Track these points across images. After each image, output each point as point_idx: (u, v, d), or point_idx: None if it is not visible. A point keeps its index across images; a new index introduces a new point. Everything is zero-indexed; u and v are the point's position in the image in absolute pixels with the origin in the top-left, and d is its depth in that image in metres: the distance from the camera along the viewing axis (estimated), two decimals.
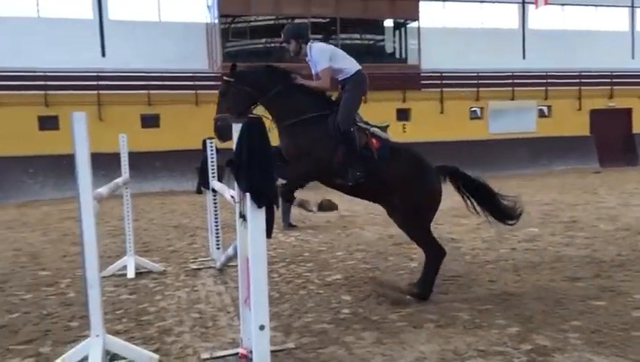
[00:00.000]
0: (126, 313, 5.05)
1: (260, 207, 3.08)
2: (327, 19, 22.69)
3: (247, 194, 3.10)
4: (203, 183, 7.04)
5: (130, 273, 6.50)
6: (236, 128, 3.21)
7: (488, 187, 5.38)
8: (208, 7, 22.64)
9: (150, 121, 18.86)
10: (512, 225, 5.55)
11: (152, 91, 18.94)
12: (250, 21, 21.93)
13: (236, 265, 5.54)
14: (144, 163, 15.83)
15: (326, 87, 5.18)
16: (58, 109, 17.53)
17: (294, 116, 4.96)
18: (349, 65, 5.28)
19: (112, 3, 21.75)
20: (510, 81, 23.36)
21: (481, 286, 5.56)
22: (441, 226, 8.82)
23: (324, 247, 8.00)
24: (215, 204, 6.92)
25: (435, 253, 5.09)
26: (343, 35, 22.74)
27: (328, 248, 7.93)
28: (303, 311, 4.92)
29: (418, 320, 4.50)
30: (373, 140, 5.09)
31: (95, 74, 18.56)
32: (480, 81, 22.83)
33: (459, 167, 5.44)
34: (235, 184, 3.37)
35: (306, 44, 5.36)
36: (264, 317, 3.15)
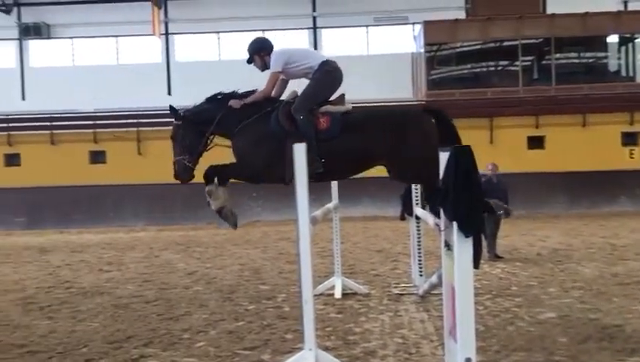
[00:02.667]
0: (334, 331, 5.34)
1: (467, 236, 3.04)
2: (540, 40, 21.44)
3: (454, 223, 3.09)
4: (406, 210, 7.14)
5: (338, 293, 6.86)
6: (444, 156, 3.23)
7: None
8: (414, 37, 23.12)
9: None
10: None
11: None
12: (456, 47, 21.78)
13: (439, 294, 5.50)
14: (351, 189, 16.57)
15: (267, 92, 5.09)
16: None
17: (235, 128, 4.99)
18: (314, 60, 5.10)
19: (326, 41, 23.55)
20: None
21: None
22: None
23: (534, 282, 7.47)
24: (418, 230, 6.97)
25: None
26: (558, 55, 21.23)
27: (539, 283, 7.39)
28: (512, 348, 4.65)
29: None
30: (322, 120, 4.85)
31: None
32: None
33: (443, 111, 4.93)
34: (441, 212, 3.37)
35: (269, 54, 5.23)
36: (471, 350, 3.06)
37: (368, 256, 10.20)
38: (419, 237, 6.94)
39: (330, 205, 6.40)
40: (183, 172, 5.20)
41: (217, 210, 5.17)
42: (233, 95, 5.23)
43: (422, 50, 21.61)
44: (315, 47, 23.43)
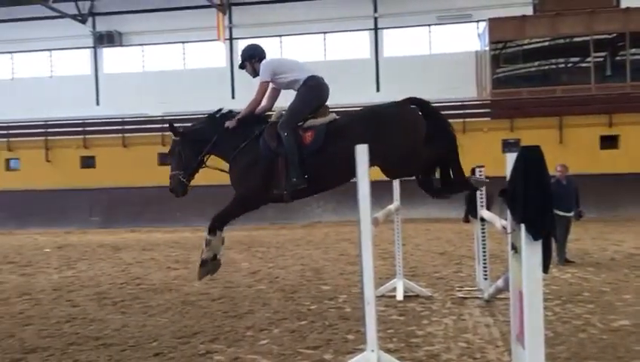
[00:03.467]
0: (396, 333, 5.31)
1: (536, 239, 2.94)
2: (614, 35, 20.43)
3: (522, 226, 3.00)
4: (471, 212, 6.99)
5: (399, 295, 6.80)
6: (511, 157, 3.15)
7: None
8: (479, 35, 22.59)
9: None
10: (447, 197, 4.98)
11: None
12: (523, 45, 21.10)
13: (505, 298, 5.36)
14: (411, 190, 16.41)
15: (257, 101, 5.08)
16: None
17: (231, 154, 5.02)
18: (301, 73, 5.06)
19: (388, 41, 23.42)
20: None
21: None
22: None
23: (607, 288, 7.13)
24: (483, 233, 6.80)
25: None
26: (634, 51, 20.15)
27: (613, 289, 7.04)
28: (583, 356, 4.47)
29: None
30: (307, 135, 4.80)
31: None
32: None
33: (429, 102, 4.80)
34: (508, 214, 3.29)
35: (260, 61, 5.20)
36: (539, 357, 2.97)
37: (430, 259, 10.06)
38: (484, 240, 6.78)
39: (391, 206, 6.37)
40: (178, 186, 5.29)
41: (205, 259, 5.15)
42: (231, 114, 5.28)
43: (487, 48, 21.08)
44: (377, 49, 23.34)
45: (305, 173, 4.74)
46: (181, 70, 24.28)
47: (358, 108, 5.33)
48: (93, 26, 24.40)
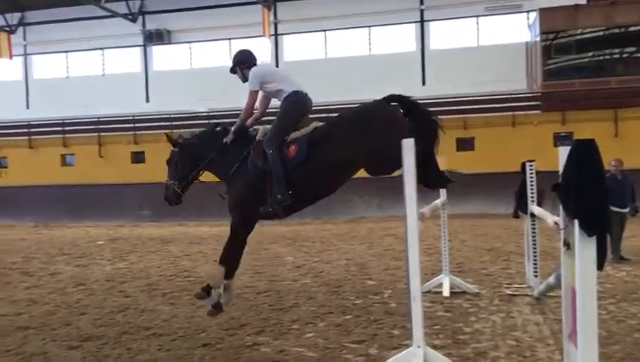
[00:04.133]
0: (442, 329, 5.24)
1: (590, 235, 2.85)
2: None
3: (576, 221, 2.91)
4: (521, 207, 6.82)
5: (446, 291, 6.71)
6: (564, 150, 3.05)
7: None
8: (529, 25, 21.95)
9: (465, 144, 19.19)
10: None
11: (468, 115, 19.28)
12: (576, 35, 20.37)
13: (556, 296, 5.21)
14: (457, 185, 16.16)
15: (248, 109, 5.13)
16: None
17: (227, 175, 5.10)
18: (287, 86, 5.06)
19: (434, 34, 23.07)
20: None
21: None
22: None
23: None
24: (533, 229, 6.62)
25: None
26: None
27: None
28: (638, 356, 4.32)
29: None
30: (291, 149, 4.79)
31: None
32: None
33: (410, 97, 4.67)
34: (561, 209, 3.19)
35: (250, 68, 5.24)
36: (593, 356, 2.88)
37: (477, 255, 9.88)
38: (534, 236, 6.60)
39: (438, 201, 6.28)
40: (172, 196, 5.41)
41: (223, 303, 5.15)
42: (227, 131, 5.28)
43: (537, 39, 20.47)
44: (423, 42, 22.99)
45: (290, 189, 4.75)
46: (227, 66, 24.55)
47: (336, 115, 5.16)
48: (143, 25, 25.03)
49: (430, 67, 22.84)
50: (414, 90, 21.73)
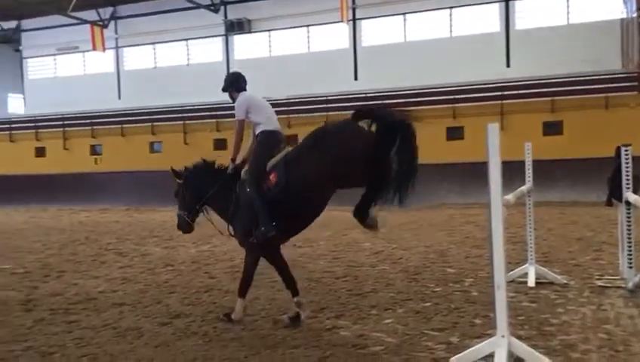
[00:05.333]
0: (527, 320, 5.06)
1: None
2: None
3: None
4: (614, 195, 6.42)
5: (531, 281, 6.47)
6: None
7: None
8: (624, 1, 20.45)
9: (552, 128, 18.31)
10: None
11: (556, 98, 18.35)
12: None
13: None
14: (543, 171, 15.49)
15: (238, 138, 5.51)
16: (463, 121, 18.85)
17: (227, 215, 5.50)
18: (263, 122, 5.41)
19: (519, 13, 22.02)
20: None
21: None
22: None
23: None
24: (628, 218, 6.21)
25: None
26: None
27: None
28: None
29: None
30: (271, 177, 5.07)
31: (499, 85, 19.17)
32: None
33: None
34: None
35: (238, 92, 5.66)
36: None
37: (565, 244, 9.42)
38: (629, 225, 6.19)
39: (523, 188, 6.03)
40: (184, 226, 5.83)
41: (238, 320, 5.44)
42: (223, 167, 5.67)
43: (634, 15, 19.03)
44: (507, 21, 21.97)
45: (274, 220, 5.05)
46: (305, 53, 24.78)
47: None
48: (225, 15, 25.69)
49: (515, 48, 21.87)
50: (499, 73, 21.14)
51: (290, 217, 5.11)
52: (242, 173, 5.49)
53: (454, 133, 19.03)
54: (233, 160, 5.55)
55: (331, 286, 6.94)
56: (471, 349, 3.79)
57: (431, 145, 19.05)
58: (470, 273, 7.34)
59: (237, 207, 5.37)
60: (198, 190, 5.67)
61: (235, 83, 5.76)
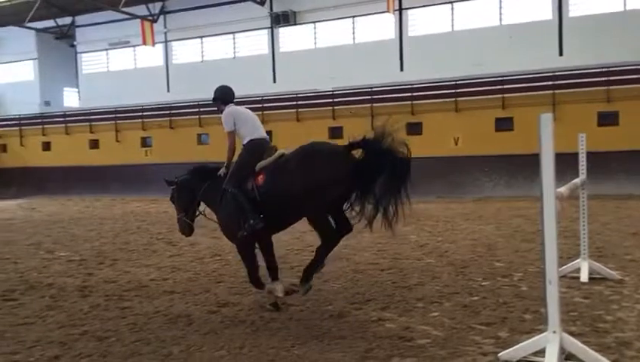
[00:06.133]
0: (580, 316, 4.92)
1: None
2: None
3: None
4: None
5: (584, 277, 6.28)
6: None
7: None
8: None
9: (608, 119, 17.60)
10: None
11: (611, 87, 17.62)
12: None
13: None
14: (598, 163, 14.94)
15: (230, 149, 5.82)
16: (513, 111, 18.36)
17: (215, 204, 5.82)
18: (249, 133, 5.79)
19: (573, 0, 21.22)
20: None
21: None
22: None
23: None
24: None
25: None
26: None
27: None
28: None
29: None
30: (259, 177, 5.42)
31: (550, 74, 18.55)
32: None
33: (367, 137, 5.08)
34: None
35: (225, 105, 6.02)
36: None
37: (621, 239, 9.08)
38: None
39: (577, 180, 5.84)
40: (185, 228, 6.21)
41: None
42: (215, 167, 6.03)
43: None
44: (560, 8, 21.19)
45: (262, 213, 5.36)
46: (350, 44, 24.65)
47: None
48: (271, 8, 25.81)
49: (568, 36, 21.09)
50: (550, 61, 20.44)
51: (271, 216, 5.43)
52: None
53: (503, 124, 18.55)
54: (226, 166, 5.88)
55: (377, 278, 6.93)
56: (521, 344, 3.72)
57: (479, 137, 18.73)
58: (519, 267, 7.18)
59: (224, 204, 5.68)
60: (191, 190, 6.07)
61: (224, 96, 6.17)
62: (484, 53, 21.30)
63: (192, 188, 6.08)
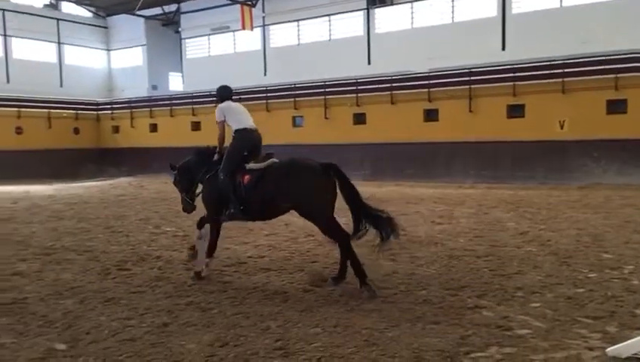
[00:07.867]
0: None
1: None
2: None
3: None
4: None
5: None
6: None
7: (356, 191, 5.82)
8: None
9: (617, 107, 16.00)
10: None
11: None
12: None
13: None
14: None
15: (220, 137, 6.56)
16: (627, 92, 16.98)
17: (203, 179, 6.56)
18: (237, 123, 6.51)
19: None
20: None
21: None
22: None
23: None
24: None
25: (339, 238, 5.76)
26: None
27: None
28: None
29: None
30: (246, 177, 6.10)
31: None
32: None
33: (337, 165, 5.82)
34: None
35: (222, 101, 6.74)
36: None
37: None
38: None
39: None
40: (187, 206, 6.97)
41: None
42: (210, 150, 6.66)
43: None
44: None
45: (242, 205, 6.08)
46: (449, 24, 23.88)
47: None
48: None
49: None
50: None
51: (251, 210, 6.14)
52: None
53: (616, 107, 17.22)
54: (219, 152, 6.53)
55: (472, 264, 6.76)
56: (632, 340, 3.48)
57: (588, 120, 17.53)
58: (630, 260, 6.70)
59: (213, 184, 6.35)
60: (191, 173, 6.78)
61: (220, 95, 6.89)
62: (595, 31, 19.80)
63: (191, 171, 6.81)
